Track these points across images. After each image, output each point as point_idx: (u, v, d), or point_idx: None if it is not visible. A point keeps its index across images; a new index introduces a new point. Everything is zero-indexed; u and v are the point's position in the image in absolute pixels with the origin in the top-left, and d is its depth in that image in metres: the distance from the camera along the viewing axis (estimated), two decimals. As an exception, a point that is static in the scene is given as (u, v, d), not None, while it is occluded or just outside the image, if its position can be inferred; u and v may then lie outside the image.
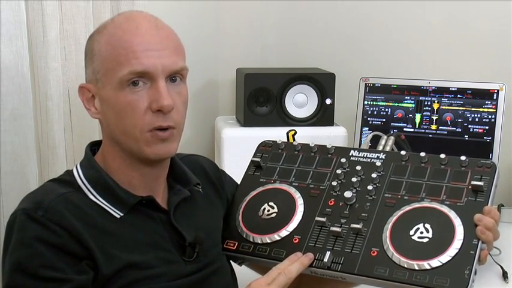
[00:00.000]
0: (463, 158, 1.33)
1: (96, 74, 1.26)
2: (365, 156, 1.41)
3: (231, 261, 1.44)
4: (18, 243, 1.18)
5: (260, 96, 2.23)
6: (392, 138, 1.51)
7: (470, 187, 1.29)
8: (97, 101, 1.28)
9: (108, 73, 1.23)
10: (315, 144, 1.46)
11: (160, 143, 1.25)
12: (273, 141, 1.53)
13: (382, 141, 1.52)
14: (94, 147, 1.35)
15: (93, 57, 1.26)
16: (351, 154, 1.43)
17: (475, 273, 1.20)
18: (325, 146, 1.45)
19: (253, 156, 1.51)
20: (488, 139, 2.09)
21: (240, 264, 1.47)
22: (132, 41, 1.22)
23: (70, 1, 1.85)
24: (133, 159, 1.28)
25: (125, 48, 1.22)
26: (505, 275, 1.77)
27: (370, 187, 1.34)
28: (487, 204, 1.26)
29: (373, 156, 1.41)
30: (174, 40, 1.28)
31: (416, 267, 1.21)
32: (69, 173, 1.32)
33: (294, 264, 1.27)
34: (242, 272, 1.47)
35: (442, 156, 1.35)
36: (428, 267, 1.21)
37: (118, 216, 1.25)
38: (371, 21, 2.46)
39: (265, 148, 1.52)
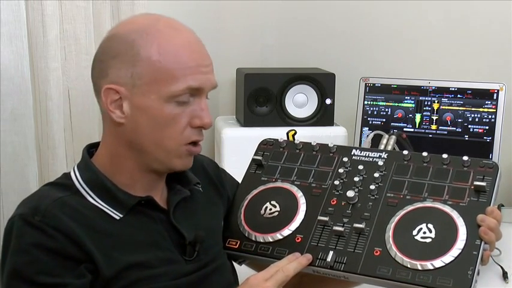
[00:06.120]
0: (465, 158, 1.33)
1: (135, 79, 1.21)
2: (367, 155, 1.41)
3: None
4: (15, 250, 1.18)
5: (260, 96, 2.22)
6: (393, 137, 1.51)
7: (472, 187, 1.29)
8: (126, 105, 1.23)
9: (157, 83, 1.21)
10: (317, 143, 1.46)
11: (190, 156, 1.29)
12: (274, 139, 1.51)
13: (384, 141, 1.52)
14: (91, 149, 1.34)
15: (137, 62, 1.21)
16: (353, 153, 1.42)
17: (478, 273, 1.20)
18: (327, 144, 1.45)
19: (255, 155, 1.50)
20: (488, 139, 2.09)
21: (240, 263, 1.46)
22: (187, 56, 1.22)
23: (70, 1, 1.85)
24: (151, 167, 1.28)
25: (181, 63, 1.21)
26: (505, 275, 1.77)
27: (372, 186, 1.34)
28: (490, 205, 1.26)
29: (375, 156, 1.40)
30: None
31: (420, 268, 1.21)
32: (66, 176, 1.30)
33: (292, 263, 1.27)
34: (243, 270, 1.47)
35: (444, 156, 1.34)
36: (431, 267, 1.21)
37: (117, 218, 1.25)
38: (371, 21, 2.45)
39: (267, 146, 1.50)
